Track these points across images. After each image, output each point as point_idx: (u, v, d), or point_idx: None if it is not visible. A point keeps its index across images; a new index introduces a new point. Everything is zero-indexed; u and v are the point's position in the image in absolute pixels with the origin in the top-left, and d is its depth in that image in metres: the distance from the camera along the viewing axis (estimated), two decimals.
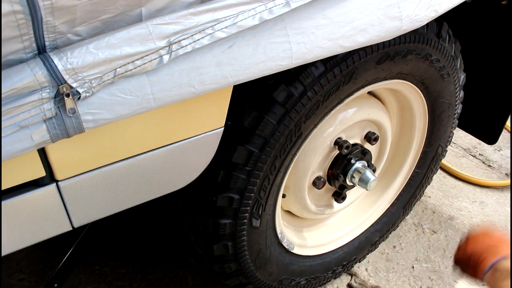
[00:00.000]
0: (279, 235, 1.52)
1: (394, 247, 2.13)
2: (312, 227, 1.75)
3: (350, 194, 1.73)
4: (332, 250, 1.76)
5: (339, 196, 1.64)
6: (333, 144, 1.50)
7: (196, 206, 1.34)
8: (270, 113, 1.18)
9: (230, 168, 1.22)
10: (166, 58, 0.82)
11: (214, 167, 1.20)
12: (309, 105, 1.21)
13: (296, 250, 1.61)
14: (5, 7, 0.68)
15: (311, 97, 1.19)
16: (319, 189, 1.55)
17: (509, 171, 2.71)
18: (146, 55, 0.81)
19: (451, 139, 1.82)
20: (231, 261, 1.41)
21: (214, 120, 1.06)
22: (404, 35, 1.26)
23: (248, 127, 1.19)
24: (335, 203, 1.70)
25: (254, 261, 1.44)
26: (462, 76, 1.63)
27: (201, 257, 1.47)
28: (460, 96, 1.67)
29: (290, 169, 1.37)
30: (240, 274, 1.45)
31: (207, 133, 1.06)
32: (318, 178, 1.53)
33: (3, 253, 0.93)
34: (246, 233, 1.35)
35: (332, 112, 1.32)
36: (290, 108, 1.18)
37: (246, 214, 1.31)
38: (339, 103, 1.31)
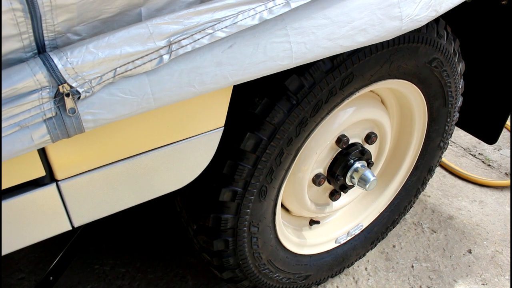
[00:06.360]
0: (278, 233, 1.52)
1: (394, 246, 2.13)
2: (310, 226, 1.76)
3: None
4: (330, 249, 1.77)
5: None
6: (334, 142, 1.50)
7: (197, 200, 1.34)
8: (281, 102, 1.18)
9: (237, 157, 1.21)
10: (166, 57, 0.82)
11: (220, 158, 1.19)
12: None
13: (294, 249, 1.62)
14: (3, 5, 0.68)
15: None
16: (318, 186, 1.56)
17: (509, 171, 2.71)
18: (146, 55, 0.81)
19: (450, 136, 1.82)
20: (230, 256, 1.41)
21: (214, 120, 1.06)
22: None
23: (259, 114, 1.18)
24: (332, 202, 1.70)
25: (252, 256, 1.45)
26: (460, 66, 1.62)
27: (199, 250, 1.47)
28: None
29: (293, 164, 1.37)
30: (237, 268, 1.46)
31: (207, 133, 1.06)
32: (317, 175, 1.53)
33: (3, 253, 0.93)
34: (247, 228, 1.36)
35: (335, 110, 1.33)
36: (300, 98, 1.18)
37: (249, 210, 1.31)
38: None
